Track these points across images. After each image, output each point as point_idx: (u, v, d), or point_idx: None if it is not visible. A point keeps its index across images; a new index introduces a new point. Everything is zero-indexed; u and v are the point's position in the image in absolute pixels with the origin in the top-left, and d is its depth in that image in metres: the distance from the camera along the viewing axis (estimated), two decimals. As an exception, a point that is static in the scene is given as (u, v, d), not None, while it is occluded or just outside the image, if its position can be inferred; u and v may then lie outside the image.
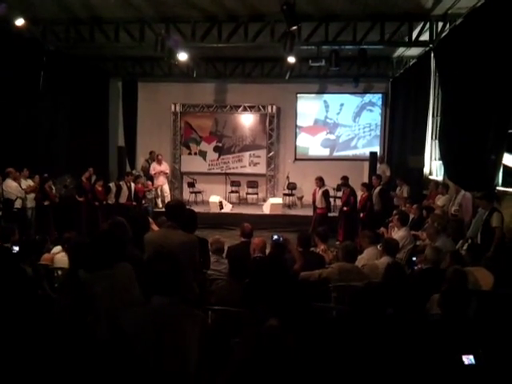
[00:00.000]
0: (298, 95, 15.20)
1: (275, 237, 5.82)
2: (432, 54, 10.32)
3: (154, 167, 13.83)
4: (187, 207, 5.58)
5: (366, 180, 12.56)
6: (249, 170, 15.39)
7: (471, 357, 2.77)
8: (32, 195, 9.80)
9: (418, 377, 2.73)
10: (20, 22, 8.69)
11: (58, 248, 6.09)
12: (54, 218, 10.18)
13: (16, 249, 5.16)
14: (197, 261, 3.83)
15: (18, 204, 9.38)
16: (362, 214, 10.31)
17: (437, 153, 10.79)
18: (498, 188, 7.38)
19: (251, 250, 5.74)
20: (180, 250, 3.44)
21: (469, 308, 3.23)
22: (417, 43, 10.26)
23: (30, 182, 9.92)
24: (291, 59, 10.82)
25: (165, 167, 13.98)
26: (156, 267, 2.55)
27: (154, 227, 4.89)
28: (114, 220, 4.00)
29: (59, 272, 5.10)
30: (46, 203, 10.01)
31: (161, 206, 13.15)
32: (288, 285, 2.32)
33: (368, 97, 15.21)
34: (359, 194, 10.73)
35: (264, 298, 2.35)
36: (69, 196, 10.94)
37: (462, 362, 2.77)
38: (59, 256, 5.67)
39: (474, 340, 2.94)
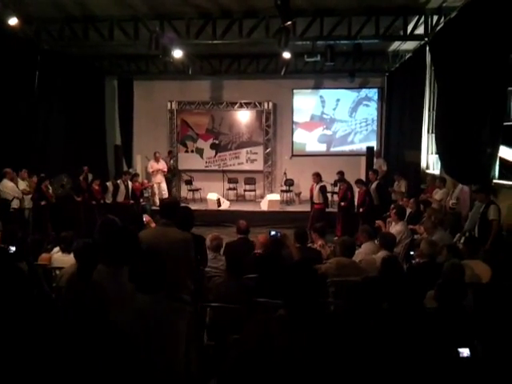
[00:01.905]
0: (294, 91, 15.16)
1: (273, 232, 5.84)
2: (427, 48, 10.32)
3: (152, 165, 13.83)
4: (183, 205, 5.58)
5: (363, 174, 12.57)
6: (246, 166, 15.36)
7: (467, 349, 2.78)
8: (29, 195, 9.79)
9: (415, 370, 2.74)
10: (13, 21, 8.62)
11: (58, 249, 6.06)
12: (51, 217, 10.16)
13: (13, 249, 5.14)
14: (192, 258, 3.82)
15: (15, 204, 9.36)
16: (360, 209, 10.31)
17: (433, 146, 10.79)
18: (494, 181, 7.40)
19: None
20: (174, 247, 3.43)
21: (465, 301, 3.24)
22: (412, 37, 10.26)
23: (28, 183, 9.89)
24: (286, 55, 10.81)
25: (162, 165, 13.97)
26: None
27: (153, 225, 4.88)
28: (105, 219, 3.97)
29: (57, 272, 5.08)
30: (42, 203, 9.99)
31: (158, 203, 13.13)
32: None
33: (364, 91, 15.18)
34: (356, 189, 10.72)
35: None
36: (66, 196, 10.91)
37: (458, 354, 2.78)
38: (57, 256, 5.65)
39: (471, 333, 2.95)
